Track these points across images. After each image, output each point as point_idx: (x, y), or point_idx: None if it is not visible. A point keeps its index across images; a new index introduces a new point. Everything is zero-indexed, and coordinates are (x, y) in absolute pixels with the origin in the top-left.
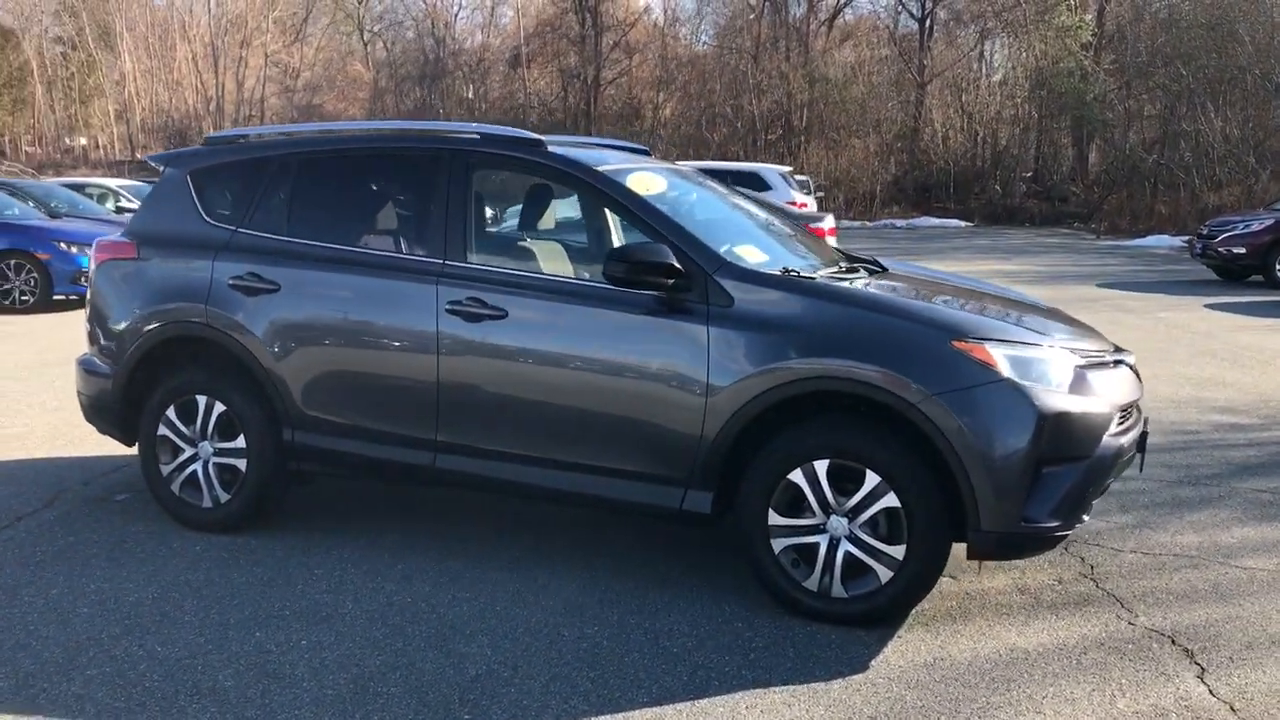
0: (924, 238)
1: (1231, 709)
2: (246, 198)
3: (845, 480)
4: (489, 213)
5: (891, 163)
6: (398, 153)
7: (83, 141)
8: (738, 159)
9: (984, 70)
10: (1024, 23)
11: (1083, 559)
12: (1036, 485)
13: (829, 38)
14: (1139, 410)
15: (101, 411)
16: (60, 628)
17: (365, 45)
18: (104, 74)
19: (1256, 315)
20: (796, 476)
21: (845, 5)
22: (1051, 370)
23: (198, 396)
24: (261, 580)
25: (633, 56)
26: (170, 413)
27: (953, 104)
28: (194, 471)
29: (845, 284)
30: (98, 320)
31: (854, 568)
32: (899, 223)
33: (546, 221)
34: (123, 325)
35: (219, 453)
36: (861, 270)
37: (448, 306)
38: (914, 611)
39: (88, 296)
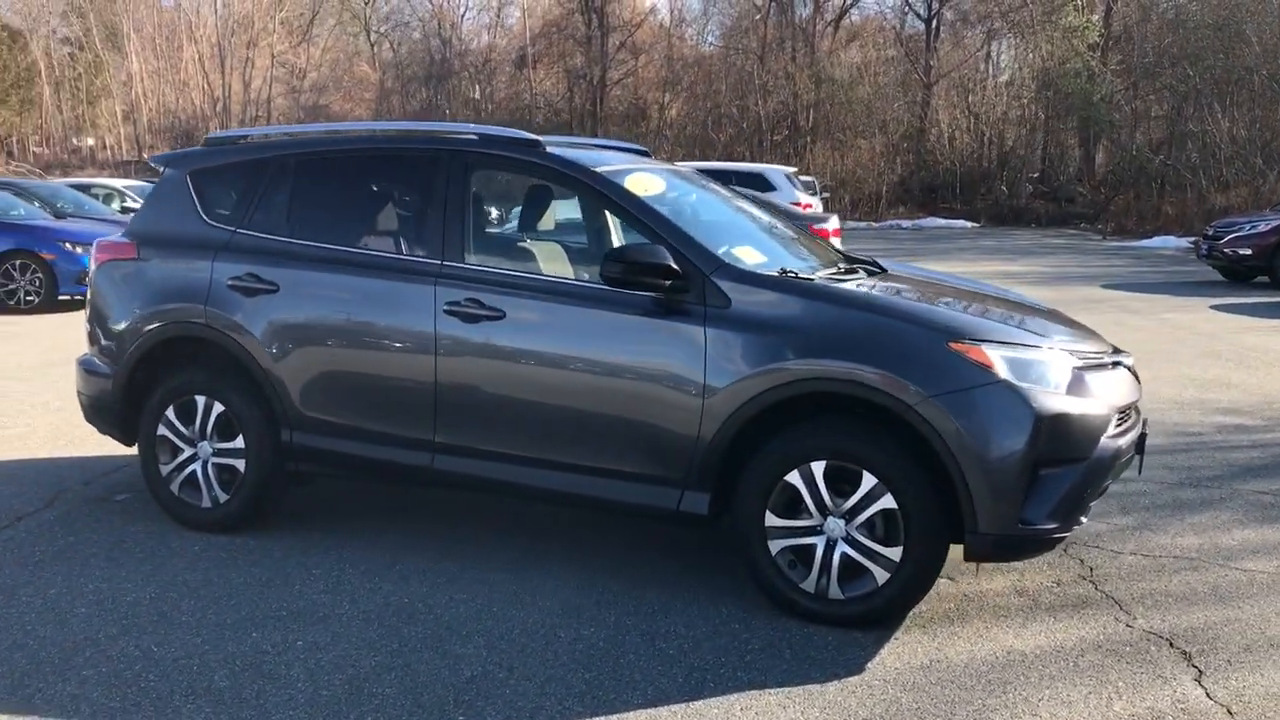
0: (930, 238)
1: (1229, 712)
2: (246, 198)
3: (842, 482)
4: (495, 213)
5: (897, 163)
6: (396, 154)
7: (90, 142)
8: (744, 160)
9: (990, 71)
10: (1031, 23)
11: (1082, 561)
12: (1034, 487)
13: (835, 38)
14: (1138, 412)
15: (101, 411)
16: (57, 628)
17: (372, 46)
18: (111, 75)
19: (1262, 316)
20: (793, 478)
21: (851, 6)
22: (1049, 372)
23: (197, 397)
24: (259, 580)
25: (639, 57)
26: (170, 413)
27: (959, 104)
28: (193, 472)
29: (842, 285)
30: (98, 320)
31: (851, 569)
32: (905, 223)
33: (546, 222)
34: (122, 325)
35: (218, 453)
36: (860, 271)
37: (445, 307)
38: (911, 613)
39: (88, 297)
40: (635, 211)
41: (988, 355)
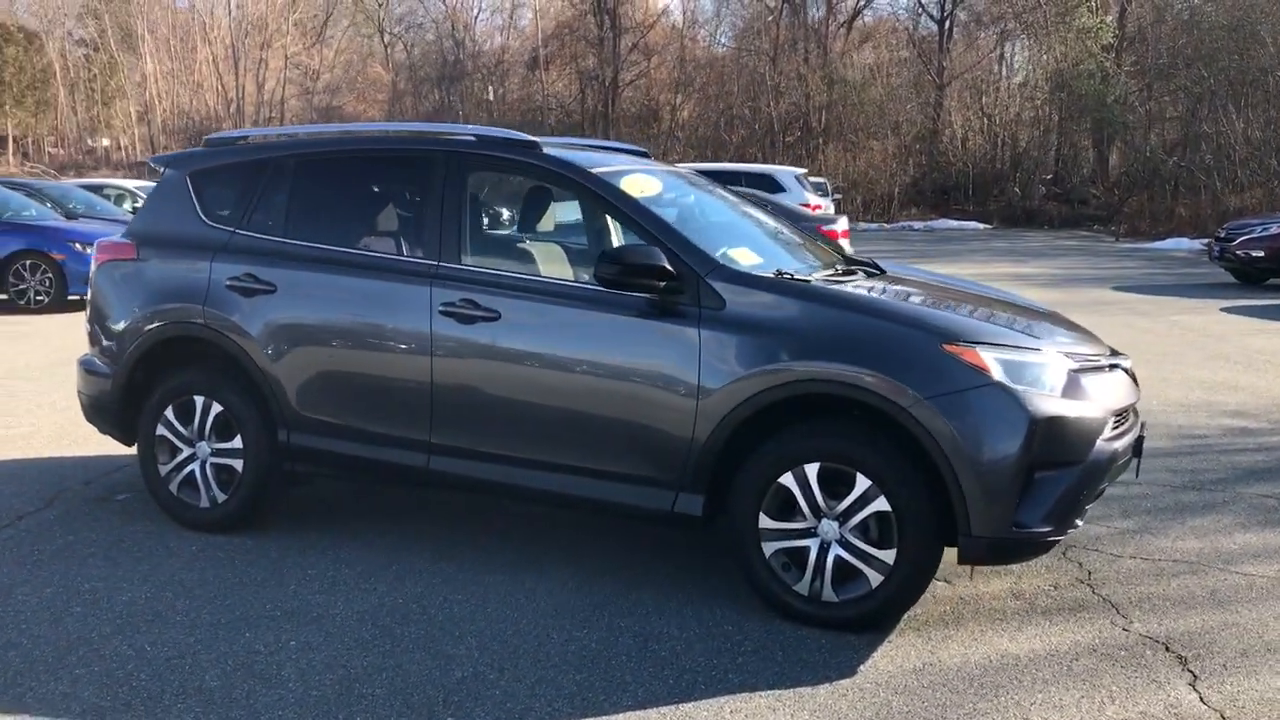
0: (942, 240)
1: (1222, 717)
2: (245, 199)
3: (836, 484)
4: (505, 214)
5: (910, 165)
6: (394, 155)
7: (105, 143)
8: (756, 161)
9: (1004, 72)
10: (1044, 24)
11: (1080, 564)
12: (1028, 490)
13: (848, 39)
14: (1135, 414)
15: (101, 411)
16: (52, 626)
17: (386, 47)
18: (126, 76)
19: (1273, 319)
20: (787, 480)
21: (864, 7)
22: (1044, 374)
23: (195, 397)
24: (255, 580)
25: (651, 58)
26: (168, 413)
27: (972, 106)
28: (191, 471)
29: (838, 287)
30: (98, 320)
31: (845, 572)
32: (917, 225)
33: (545, 223)
34: (122, 325)
35: (216, 453)
36: (858, 273)
37: (441, 308)
38: (906, 616)
39: (88, 297)
40: (630, 212)
41: (982, 357)
